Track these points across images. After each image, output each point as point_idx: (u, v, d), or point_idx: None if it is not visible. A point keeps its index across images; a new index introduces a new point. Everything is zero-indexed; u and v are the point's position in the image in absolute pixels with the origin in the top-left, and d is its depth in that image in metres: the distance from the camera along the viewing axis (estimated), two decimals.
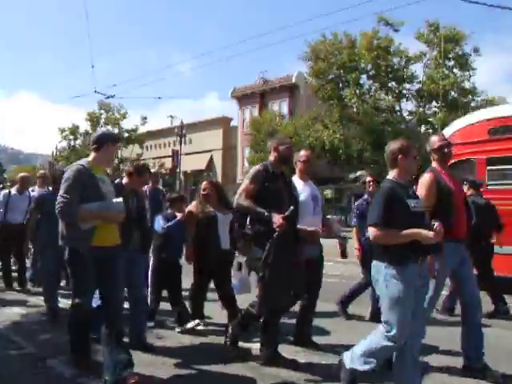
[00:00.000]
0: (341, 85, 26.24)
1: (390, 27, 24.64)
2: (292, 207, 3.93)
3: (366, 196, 5.91)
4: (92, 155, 3.84)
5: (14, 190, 7.62)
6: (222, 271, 4.92)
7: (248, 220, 4.04)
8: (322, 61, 25.29)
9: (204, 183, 5.32)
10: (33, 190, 7.86)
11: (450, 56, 24.32)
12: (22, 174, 8.05)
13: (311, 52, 25.97)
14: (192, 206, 5.31)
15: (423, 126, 25.43)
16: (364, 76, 26.05)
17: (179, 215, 5.28)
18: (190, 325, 5.04)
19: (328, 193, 29.53)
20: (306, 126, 27.73)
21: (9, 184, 10.52)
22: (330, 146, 25.57)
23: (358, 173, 28.58)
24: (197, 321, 5.07)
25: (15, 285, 7.59)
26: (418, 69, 25.65)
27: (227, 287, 4.79)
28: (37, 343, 4.60)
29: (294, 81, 33.19)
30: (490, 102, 24.08)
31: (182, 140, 31.34)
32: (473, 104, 24.38)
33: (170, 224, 5.21)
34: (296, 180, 4.61)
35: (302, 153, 4.90)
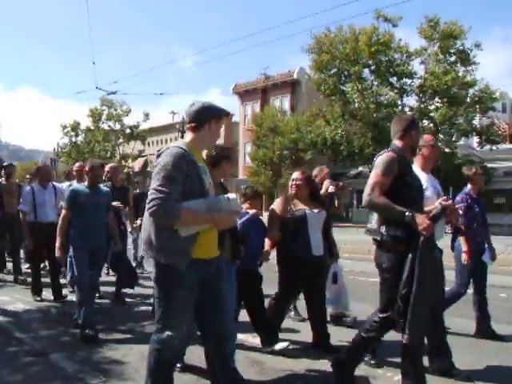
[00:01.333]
0: (343, 79, 26.18)
1: (389, 23, 24.57)
2: (440, 204, 3.18)
3: (467, 190, 4.99)
4: (189, 136, 2.94)
5: (36, 185, 6.76)
6: (314, 283, 4.29)
7: (377, 221, 3.26)
8: (325, 53, 25.22)
9: (294, 174, 4.48)
10: (70, 185, 6.53)
11: (452, 51, 24.22)
12: (39, 165, 7.40)
13: (315, 44, 25.89)
14: (277, 204, 4.40)
15: (425, 121, 25.33)
16: (366, 70, 25.97)
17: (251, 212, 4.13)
18: (278, 346, 4.18)
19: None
20: (307, 121, 27.70)
21: (28, 177, 9.43)
22: (331, 142, 25.55)
23: (360, 168, 28.60)
24: (287, 342, 4.20)
25: (45, 294, 6.60)
26: (418, 64, 25.58)
27: (319, 303, 4.25)
28: (39, 339, 4.62)
29: (295, 77, 33.13)
30: (489, 95, 24.00)
31: (183, 136, 31.33)
32: (469, 99, 24.22)
33: (242, 220, 3.97)
34: (417, 170, 3.67)
35: (429, 136, 4.17)
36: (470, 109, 23.99)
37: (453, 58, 24.49)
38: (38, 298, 6.38)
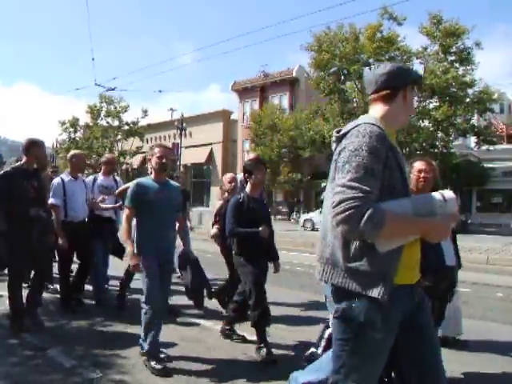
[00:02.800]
0: (342, 78, 26.19)
1: (394, 21, 24.54)
2: None
3: None
4: (379, 109, 2.14)
5: (66, 176, 5.67)
6: (444, 300, 3.69)
7: None
8: (325, 52, 25.21)
9: (419, 164, 3.71)
10: (95, 179, 6.13)
11: (452, 50, 24.24)
12: (73, 152, 6.03)
13: (315, 42, 25.87)
14: None
15: (425, 120, 25.35)
16: (366, 68, 25.96)
17: None
18: None
19: None
20: (306, 119, 27.72)
21: (52, 169, 8.38)
22: (330, 140, 25.53)
23: None
24: None
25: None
26: (418, 64, 25.59)
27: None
28: (37, 333, 4.62)
29: (294, 74, 33.12)
30: (488, 96, 24.04)
31: (182, 133, 31.34)
32: (468, 99, 24.25)
33: None
34: None
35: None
36: (468, 108, 24.02)
37: (453, 57, 24.50)
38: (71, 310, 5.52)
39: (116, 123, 37.76)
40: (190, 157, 34.87)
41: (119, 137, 38.13)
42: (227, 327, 4.70)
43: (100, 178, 6.17)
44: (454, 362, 4.05)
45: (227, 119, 38.01)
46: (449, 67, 24.01)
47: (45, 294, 6.10)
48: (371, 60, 25.06)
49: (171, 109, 41.76)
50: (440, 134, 25.50)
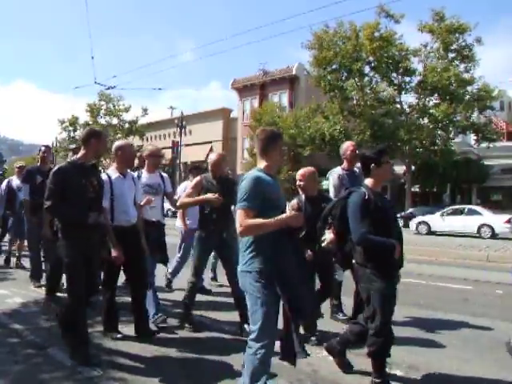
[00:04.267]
0: (343, 76, 26.14)
1: (391, 19, 24.51)
2: None
3: None
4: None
5: (112, 172, 4.58)
6: None
7: None
8: (326, 50, 25.17)
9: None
10: (139, 175, 5.12)
11: (453, 48, 24.19)
12: (119, 143, 4.83)
13: (315, 40, 25.83)
14: None
15: (425, 118, 25.33)
16: (367, 67, 25.94)
17: None
18: None
19: (326, 184, 29.50)
20: (306, 117, 27.70)
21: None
22: (329, 138, 25.54)
23: (358, 165, 28.59)
24: None
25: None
26: (418, 62, 25.54)
27: None
28: (38, 332, 4.64)
29: (294, 72, 33.09)
30: (488, 94, 24.02)
31: (182, 131, 31.32)
32: (468, 97, 24.24)
33: None
34: None
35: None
36: (468, 106, 23.99)
37: (454, 55, 24.45)
38: (119, 336, 4.52)
39: (115, 122, 37.75)
40: (189, 155, 34.87)
41: (119, 135, 38.12)
42: (341, 357, 3.80)
43: (144, 175, 5.16)
44: (454, 359, 4.06)
45: (227, 117, 38.00)
46: (449, 65, 23.98)
47: (43, 296, 6.12)
48: (371, 58, 25.07)
49: (171, 107, 41.82)
50: (440, 132, 25.48)
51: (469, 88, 24.38)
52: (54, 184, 3.86)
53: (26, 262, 8.13)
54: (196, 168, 7.36)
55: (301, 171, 4.72)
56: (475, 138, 26.18)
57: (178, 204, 5.14)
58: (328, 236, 3.98)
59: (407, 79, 25.63)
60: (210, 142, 37.09)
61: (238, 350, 3.70)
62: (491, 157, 27.10)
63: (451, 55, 24.54)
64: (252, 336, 2.91)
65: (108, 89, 21.93)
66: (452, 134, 25.62)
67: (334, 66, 25.81)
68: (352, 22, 25.26)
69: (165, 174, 5.51)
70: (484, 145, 25.75)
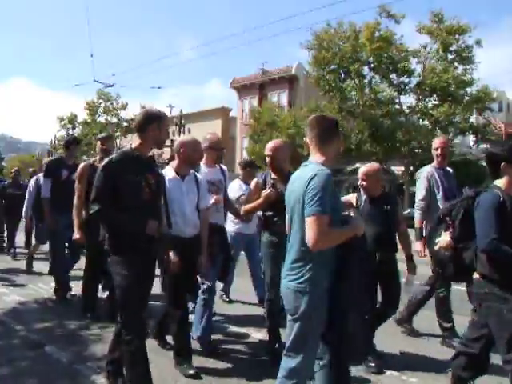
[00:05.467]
0: (342, 76, 26.15)
1: (392, 19, 24.51)
2: None
3: None
4: None
5: (169, 171, 3.88)
6: None
7: None
8: (325, 50, 25.18)
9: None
10: (197, 170, 4.25)
11: (452, 49, 24.21)
12: (182, 139, 4.32)
13: (315, 40, 25.84)
14: None
15: (425, 119, 25.36)
16: (366, 67, 25.96)
17: None
18: None
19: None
20: (305, 117, 27.68)
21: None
22: None
23: (357, 165, 28.65)
24: None
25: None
26: (417, 63, 25.56)
27: None
28: (35, 330, 4.64)
29: (293, 72, 33.10)
30: (487, 95, 24.06)
31: (181, 130, 31.31)
32: (467, 98, 24.28)
33: None
34: None
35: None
36: (467, 107, 24.03)
37: (453, 56, 24.47)
38: (193, 372, 3.67)
39: (114, 120, 37.73)
40: None
41: (118, 133, 38.08)
42: None
43: (203, 169, 4.23)
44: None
45: (226, 116, 37.99)
46: (448, 66, 24.01)
47: (41, 295, 6.13)
48: (371, 59, 25.08)
49: (170, 105, 41.68)
50: (439, 133, 25.50)
51: (468, 89, 24.42)
52: (104, 181, 3.01)
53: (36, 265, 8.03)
54: (250, 164, 6.34)
55: (363, 169, 4.07)
56: (474, 139, 26.22)
57: (242, 213, 4.31)
58: (444, 239, 3.16)
59: (406, 80, 25.66)
60: None
61: None
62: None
63: (450, 56, 24.56)
64: (291, 365, 2.47)
65: (107, 87, 21.96)
66: (451, 135, 25.65)
67: (332, 67, 25.82)
68: (352, 23, 25.28)
69: (225, 168, 4.59)
70: (483, 146, 25.77)
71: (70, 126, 39.86)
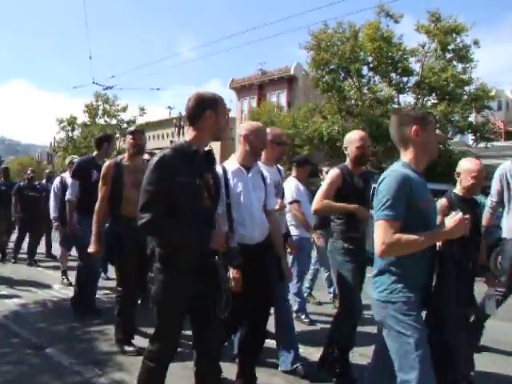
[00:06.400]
0: (341, 76, 26.17)
1: (391, 18, 24.55)
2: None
3: None
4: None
5: (231, 164, 3.36)
6: None
7: None
8: (324, 51, 25.20)
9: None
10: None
11: (450, 48, 24.25)
12: (251, 124, 3.64)
13: (314, 41, 25.87)
14: None
15: None
16: (365, 67, 25.99)
17: None
18: None
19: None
20: (304, 117, 27.70)
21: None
22: (328, 138, 25.57)
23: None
24: None
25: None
26: (416, 62, 25.60)
27: None
28: (36, 333, 4.63)
29: (292, 72, 33.12)
30: (486, 94, 24.08)
31: (181, 131, 31.33)
32: (465, 96, 24.31)
33: None
34: None
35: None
36: (466, 106, 24.08)
37: (451, 55, 24.52)
38: None
39: (114, 122, 37.77)
40: None
41: (117, 135, 38.11)
42: None
43: (261, 166, 3.55)
44: None
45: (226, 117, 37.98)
46: (447, 65, 24.05)
47: (42, 297, 6.13)
48: (370, 59, 25.11)
49: (169, 107, 41.80)
50: (438, 131, 25.55)
51: (466, 88, 24.45)
52: (158, 183, 2.37)
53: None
54: (305, 161, 5.66)
55: (474, 165, 3.48)
56: (473, 137, 26.23)
57: (316, 208, 3.62)
58: None
59: (405, 79, 25.69)
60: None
61: None
62: (489, 156, 27.08)
63: (449, 55, 24.59)
64: None
65: (106, 89, 21.92)
66: (450, 134, 25.68)
67: (331, 67, 25.83)
68: (351, 22, 25.32)
69: (281, 168, 4.15)
70: (482, 144, 25.80)
71: (69, 128, 39.86)
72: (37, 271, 8.17)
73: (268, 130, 3.71)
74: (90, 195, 4.91)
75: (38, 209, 8.79)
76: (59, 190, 7.36)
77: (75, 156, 8.60)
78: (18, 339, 4.43)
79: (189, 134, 2.59)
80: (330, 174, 3.71)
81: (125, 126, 37.44)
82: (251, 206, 3.10)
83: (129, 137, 4.53)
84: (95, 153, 5.59)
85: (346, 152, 3.81)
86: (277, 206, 3.55)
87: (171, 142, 33.15)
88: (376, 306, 2.31)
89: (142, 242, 3.76)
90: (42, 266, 8.43)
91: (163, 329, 2.53)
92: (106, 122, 37.99)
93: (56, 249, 9.59)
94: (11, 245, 9.82)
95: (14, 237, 9.74)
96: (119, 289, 4.24)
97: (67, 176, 7.04)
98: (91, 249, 4.30)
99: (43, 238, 9.60)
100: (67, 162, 7.61)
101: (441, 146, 25.33)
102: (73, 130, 39.97)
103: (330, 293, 6.16)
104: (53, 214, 7.43)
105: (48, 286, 6.92)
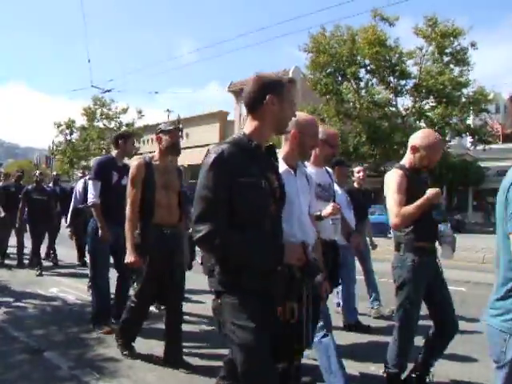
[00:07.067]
0: (339, 78, 26.24)
1: (386, 22, 24.65)
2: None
3: None
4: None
5: (312, 168, 3.29)
6: None
7: None
8: (322, 53, 25.27)
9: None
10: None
11: (448, 51, 24.33)
12: (302, 116, 2.91)
13: (313, 43, 25.94)
14: None
15: (422, 120, 25.44)
16: (363, 70, 26.07)
17: None
18: None
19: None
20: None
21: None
22: None
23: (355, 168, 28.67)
24: None
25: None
26: (413, 65, 25.68)
27: None
28: (34, 336, 4.63)
29: (290, 75, 33.17)
30: (484, 97, 24.15)
31: (179, 134, 31.38)
32: (463, 99, 24.39)
33: None
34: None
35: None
36: (464, 109, 24.15)
37: (448, 58, 24.60)
38: None
39: (112, 125, 37.81)
40: (186, 158, 34.72)
41: None
42: None
43: (310, 169, 3.22)
44: (452, 360, 4.06)
45: (224, 120, 38.04)
46: (444, 68, 24.14)
47: (40, 301, 6.12)
48: (367, 62, 25.20)
49: (168, 110, 41.77)
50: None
51: (464, 91, 24.54)
52: (217, 187, 1.92)
53: None
54: (343, 162, 5.25)
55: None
56: (471, 140, 26.32)
57: (396, 222, 3.06)
58: None
59: (403, 82, 25.77)
60: (207, 145, 36.87)
61: None
62: (487, 159, 27.19)
63: (446, 59, 24.68)
64: None
65: (105, 92, 21.97)
66: (448, 137, 25.74)
67: (329, 70, 25.90)
68: (349, 26, 25.43)
69: (330, 170, 3.72)
70: (480, 147, 25.87)
71: (67, 131, 39.85)
72: (35, 274, 8.16)
73: (321, 128, 3.19)
74: (109, 200, 4.56)
75: (45, 213, 8.62)
76: (81, 195, 6.85)
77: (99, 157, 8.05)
78: (15, 343, 4.42)
79: (248, 125, 2.14)
80: (392, 178, 3.18)
81: (123, 128, 37.45)
82: (300, 211, 2.61)
83: (164, 135, 4.02)
84: (114, 152, 5.04)
85: (415, 153, 3.22)
86: (329, 209, 3.13)
87: None
88: (494, 337, 1.89)
89: (172, 253, 3.79)
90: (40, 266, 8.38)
91: (255, 373, 1.95)
92: (104, 125, 38.00)
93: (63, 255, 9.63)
94: (11, 249, 9.85)
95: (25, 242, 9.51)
96: (135, 300, 3.93)
97: None
98: (129, 259, 3.77)
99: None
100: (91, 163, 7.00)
101: None
102: (71, 133, 39.98)
103: (374, 307, 5.67)
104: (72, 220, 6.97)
105: (46, 290, 6.91)
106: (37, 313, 5.62)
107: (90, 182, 4.87)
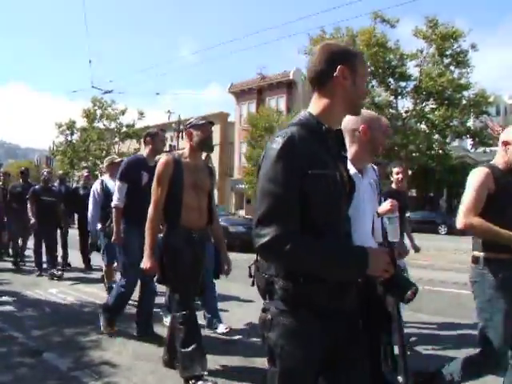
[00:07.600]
0: None
1: (386, 24, 24.68)
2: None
3: None
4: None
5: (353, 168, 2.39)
6: None
7: None
8: None
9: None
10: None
11: (448, 53, 24.36)
12: (368, 113, 2.53)
13: (313, 45, 25.99)
14: None
15: (423, 122, 25.47)
16: None
17: None
18: None
19: None
20: None
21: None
22: None
23: None
24: None
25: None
26: (414, 66, 25.71)
27: None
28: (33, 337, 4.62)
29: (291, 77, 33.20)
30: (484, 99, 24.17)
31: (179, 135, 31.39)
32: (464, 101, 24.42)
33: None
34: None
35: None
36: (464, 111, 24.17)
37: (449, 60, 24.63)
38: None
39: (113, 126, 37.88)
40: None
41: (116, 139, 38.16)
42: None
43: (351, 169, 2.58)
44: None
45: (224, 121, 38.08)
46: (444, 70, 24.17)
47: (39, 301, 6.10)
48: (368, 63, 25.21)
49: (169, 111, 41.86)
50: (436, 136, 25.61)
51: (465, 93, 24.56)
52: (287, 181, 1.53)
53: None
54: (378, 162, 5.21)
55: None
56: (472, 142, 26.32)
57: (466, 223, 3.01)
58: None
59: (403, 84, 25.79)
60: None
61: None
62: (488, 161, 27.13)
63: (446, 61, 24.70)
64: None
65: (105, 93, 21.99)
66: (448, 139, 25.76)
67: None
68: (349, 28, 25.47)
69: (375, 166, 3.22)
70: (480, 149, 25.86)
71: (68, 132, 39.93)
72: (34, 275, 8.15)
73: (381, 118, 2.76)
74: (139, 202, 4.10)
75: (52, 215, 8.37)
76: (100, 196, 6.46)
77: (116, 156, 7.47)
78: (15, 344, 4.41)
79: (314, 104, 1.72)
80: (474, 175, 2.95)
81: (124, 129, 37.51)
82: (364, 220, 2.30)
83: (195, 130, 3.67)
84: (145, 151, 4.78)
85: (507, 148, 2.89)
86: (389, 206, 2.59)
87: (170, 146, 33.17)
88: None
89: (200, 258, 3.54)
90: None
91: None
92: (104, 125, 38.06)
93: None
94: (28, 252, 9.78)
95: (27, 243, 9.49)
96: (183, 313, 3.40)
97: (108, 179, 6.39)
98: (145, 264, 3.46)
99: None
100: (106, 163, 6.69)
101: (440, 151, 25.43)
102: (72, 134, 40.05)
103: None
104: (93, 226, 6.54)
105: (46, 291, 6.91)
106: (36, 314, 5.61)
107: (117, 184, 4.64)
